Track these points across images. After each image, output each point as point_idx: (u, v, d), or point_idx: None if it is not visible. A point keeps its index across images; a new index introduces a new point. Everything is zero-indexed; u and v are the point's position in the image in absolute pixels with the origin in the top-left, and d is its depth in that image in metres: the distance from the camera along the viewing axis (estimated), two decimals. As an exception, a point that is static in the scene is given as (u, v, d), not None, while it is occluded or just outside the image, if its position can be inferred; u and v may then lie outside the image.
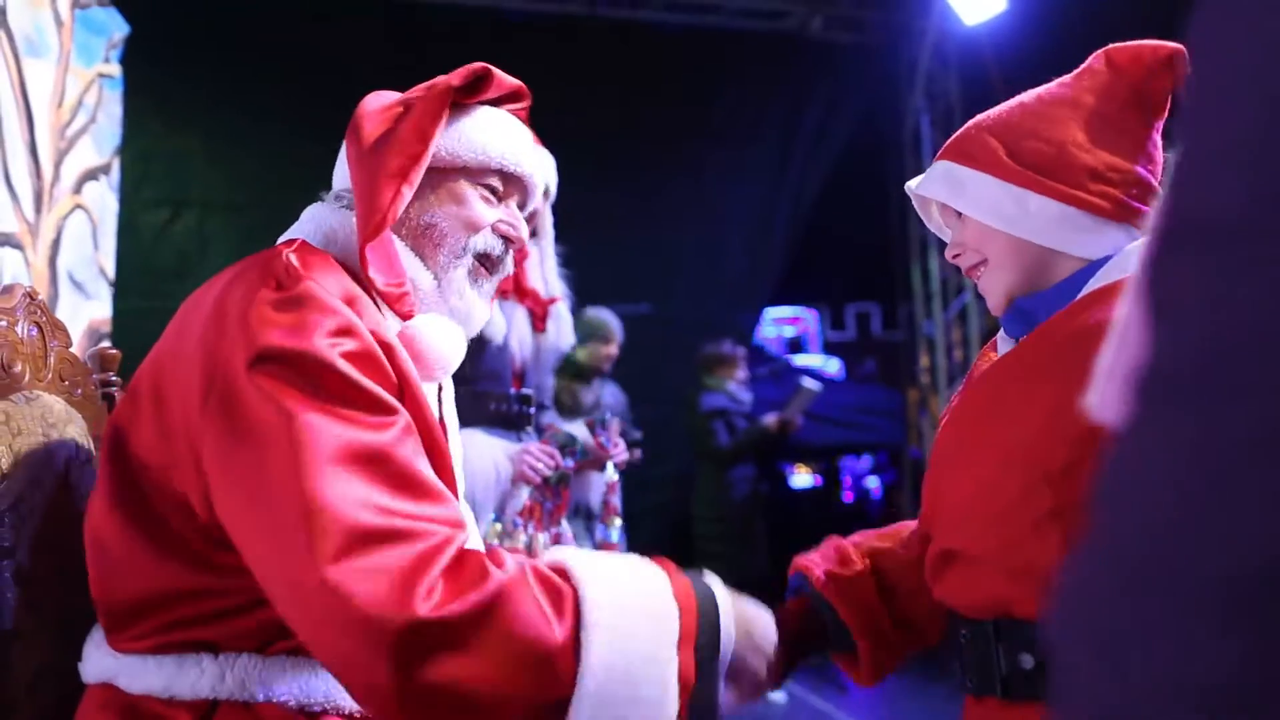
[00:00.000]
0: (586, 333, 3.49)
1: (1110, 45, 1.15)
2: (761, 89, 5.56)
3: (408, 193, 1.08)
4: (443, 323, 1.11)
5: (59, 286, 3.55)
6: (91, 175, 3.83)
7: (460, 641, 0.83)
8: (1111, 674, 0.31)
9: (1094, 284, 1.07)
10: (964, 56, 5.44)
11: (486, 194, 1.17)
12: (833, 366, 8.95)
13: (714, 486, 4.70)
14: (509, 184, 1.19)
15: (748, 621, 1.01)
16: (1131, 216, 1.09)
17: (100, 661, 1.03)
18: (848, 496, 7.38)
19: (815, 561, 1.27)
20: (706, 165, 5.48)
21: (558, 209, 2.29)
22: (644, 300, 4.95)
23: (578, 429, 2.20)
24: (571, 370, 3.49)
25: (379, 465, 0.90)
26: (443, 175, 1.14)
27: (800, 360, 8.84)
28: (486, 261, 1.17)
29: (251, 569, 0.91)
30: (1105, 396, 0.38)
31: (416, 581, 0.83)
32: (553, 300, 2.27)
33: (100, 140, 3.91)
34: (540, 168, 1.23)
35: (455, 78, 1.14)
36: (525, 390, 2.16)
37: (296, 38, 4.83)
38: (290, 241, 1.09)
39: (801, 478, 7.21)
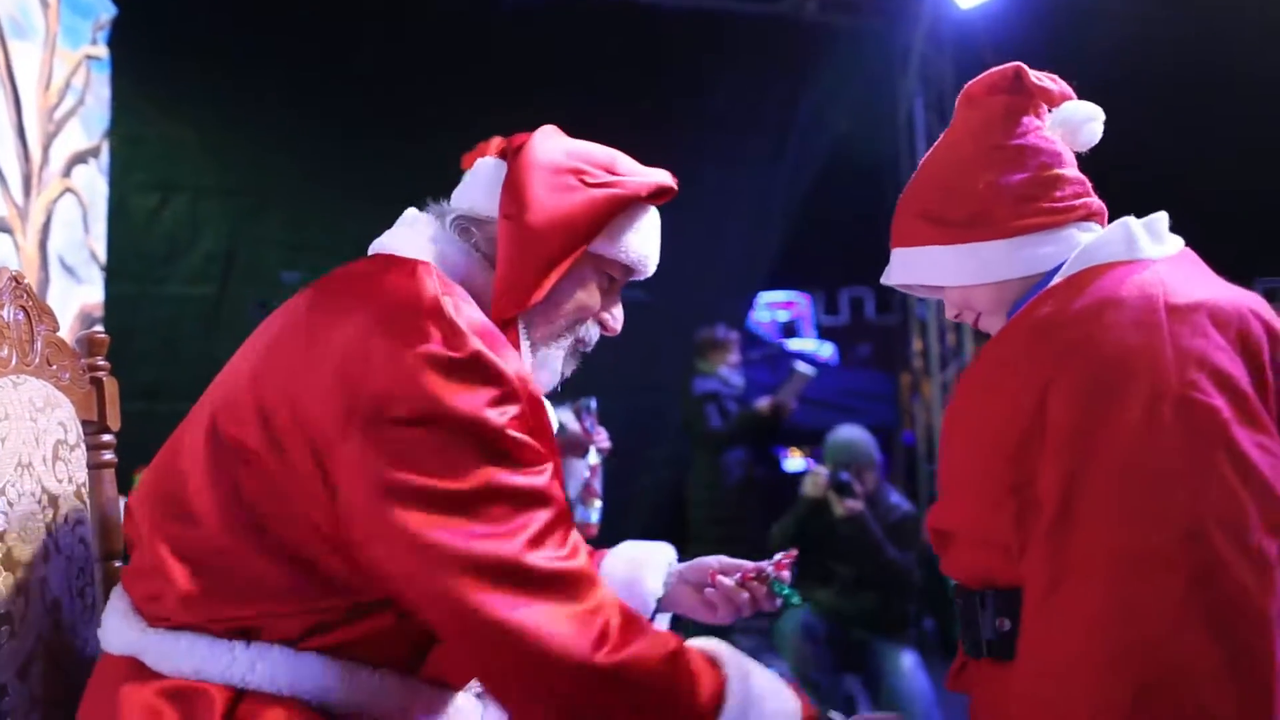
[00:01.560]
0: None
1: (966, 86, 1.25)
2: (756, 72, 5.53)
3: (554, 279, 1.09)
4: None
5: (49, 271, 3.53)
6: (81, 158, 3.80)
7: (622, 689, 0.95)
8: None
9: (1055, 279, 1.14)
10: (959, 40, 5.42)
11: (605, 282, 1.18)
12: (826, 351, 8.95)
13: (708, 470, 4.70)
14: (625, 274, 1.20)
15: None
16: (1069, 215, 1.17)
17: (124, 634, 1.03)
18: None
19: None
20: (700, 150, 5.45)
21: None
22: (638, 287, 4.95)
23: (564, 414, 2.19)
24: None
25: (543, 511, 0.98)
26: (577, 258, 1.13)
27: (794, 344, 8.84)
28: (580, 345, 1.19)
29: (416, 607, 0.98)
30: None
31: (593, 625, 0.95)
32: None
33: (89, 123, 3.87)
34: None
35: (644, 190, 1.14)
36: None
37: (286, 18, 4.79)
38: (424, 265, 1.06)
39: (795, 461, 7.22)
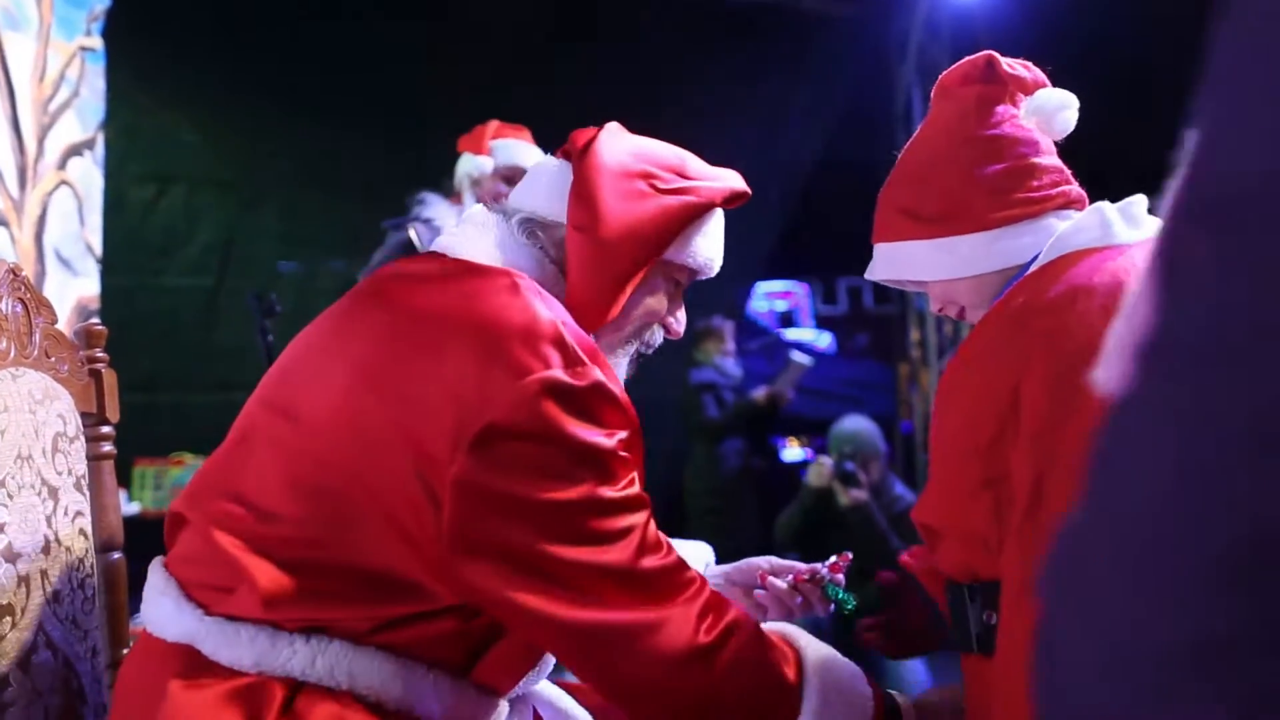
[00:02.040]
0: None
1: (940, 77, 1.24)
2: (753, 60, 5.52)
3: (629, 293, 1.09)
4: None
5: (46, 263, 3.52)
6: (76, 150, 3.79)
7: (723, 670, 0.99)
8: (1101, 638, 0.32)
9: (1032, 269, 1.13)
10: (956, 29, 5.41)
11: (672, 287, 1.17)
12: (824, 340, 8.96)
13: (705, 460, 4.71)
14: (691, 277, 1.19)
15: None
16: (1046, 204, 1.15)
17: (180, 622, 1.01)
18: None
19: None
20: (696, 138, 5.44)
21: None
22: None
23: None
24: None
25: (641, 515, 1.01)
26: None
27: (791, 334, 8.85)
28: (644, 348, 1.19)
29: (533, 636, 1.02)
30: (1113, 369, 0.39)
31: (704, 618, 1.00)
32: None
33: (84, 115, 3.86)
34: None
35: (719, 197, 1.13)
36: None
37: (281, 9, 4.77)
38: (519, 279, 1.04)
39: (792, 451, 7.23)
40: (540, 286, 1.06)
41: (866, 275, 1.28)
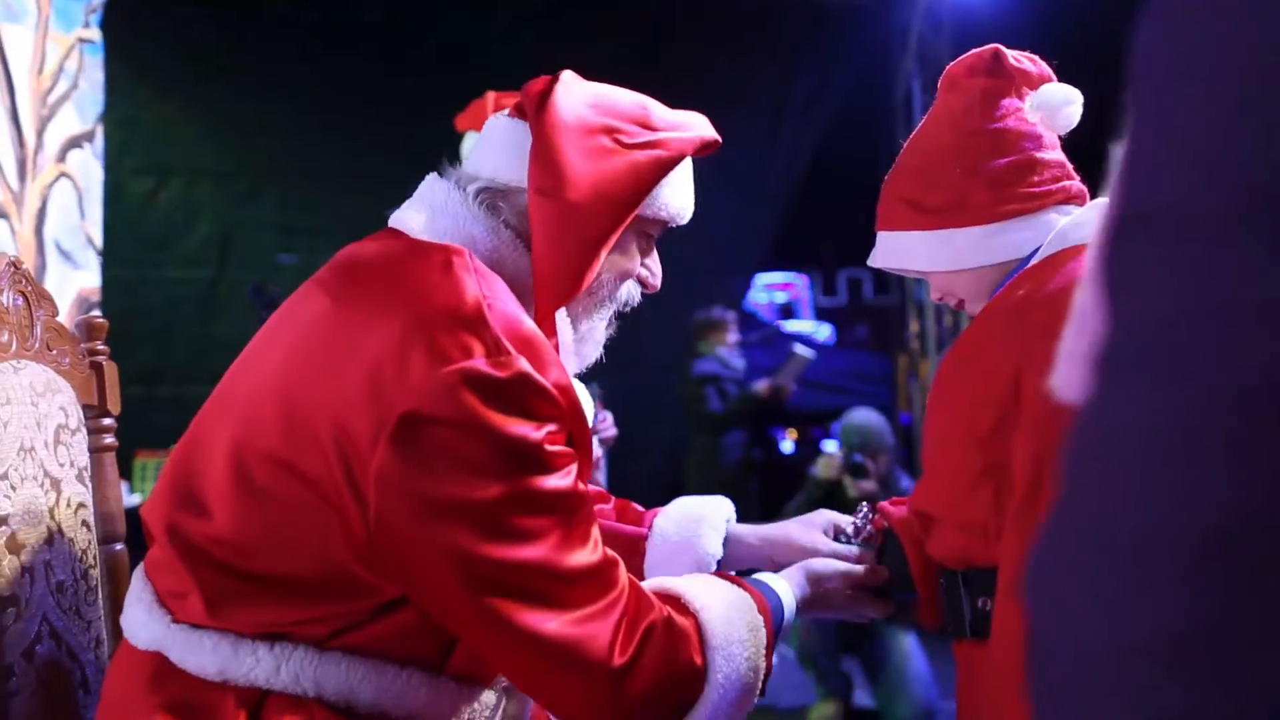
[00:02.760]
0: None
1: (947, 68, 1.24)
2: (753, 51, 5.51)
3: (603, 257, 1.03)
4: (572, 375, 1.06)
5: (46, 256, 3.52)
6: (75, 143, 3.79)
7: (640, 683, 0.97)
8: (1073, 630, 0.33)
9: (1033, 262, 1.15)
10: (956, 20, 5.39)
11: (644, 241, 1.12)
12: (824, 332, 8.97)
13: (706, 452, 4.72)
14: (662, 228, 1.14)
15: (816, 578, 1.18)
16: (1046, 200, 1.16)
17: (150, 629, 1.00)
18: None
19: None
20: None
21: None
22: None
23: None
24: None
25: (572, 511, 0.97)
26: None
27: (791, 326, 8.85)
28: (622, 308, 1.13)
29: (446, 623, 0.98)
30: (1067, 376, 0.40)
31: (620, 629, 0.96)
32: None
33: (83, 107, 3.85)
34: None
35: (689, 148, 1.07)
36: None
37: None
38: (459, 256, 0.99)
39: (792, 443, 7.24)
40: (489, 263, 1.02)
41: (869, 262, 1.29)
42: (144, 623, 1.00)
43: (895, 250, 1.23)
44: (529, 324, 0.98)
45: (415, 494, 0.91)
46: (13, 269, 1.20)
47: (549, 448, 0.94)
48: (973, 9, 5.16)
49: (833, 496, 3.52)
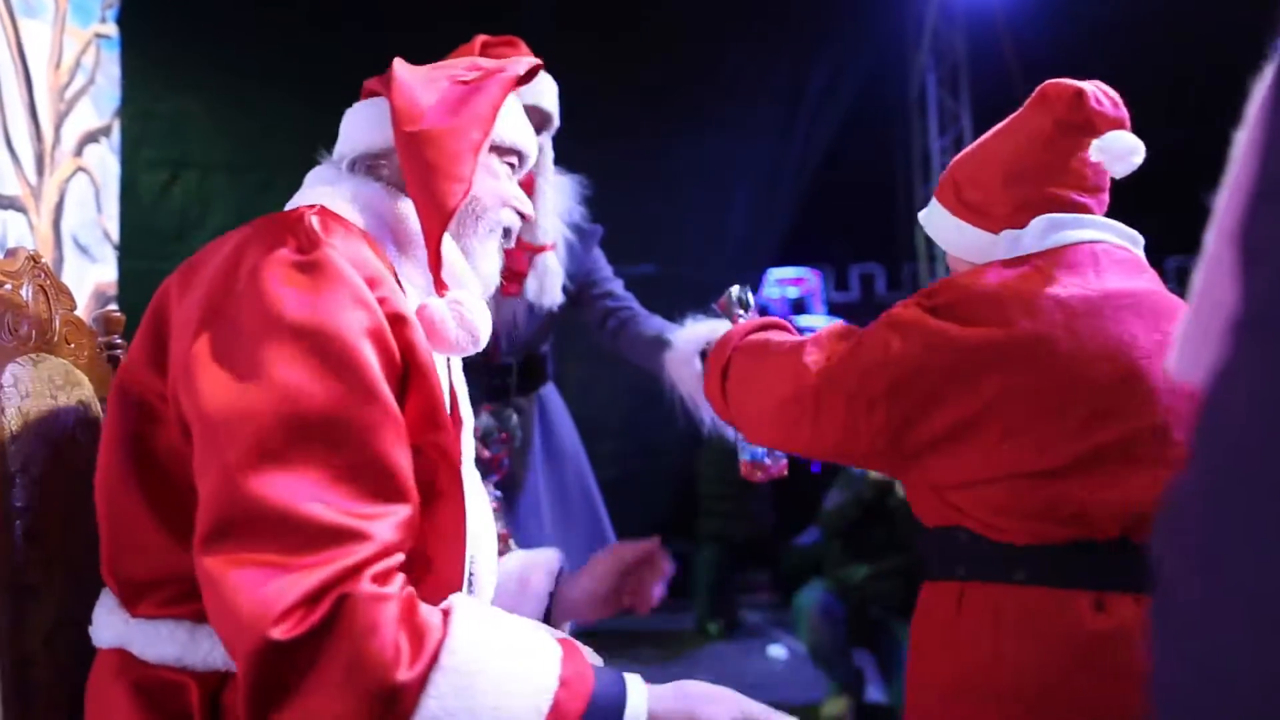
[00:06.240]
0: None
1: (1044, 84, 1.32)
2: (768, 46, 5.49)
3: (477, 171, 1.11)
4: (476, 296, 1.13)
5: (63, 250, 3.55)
6: (92, 137, 3.81)
7: (303, 666, 0.82)
8: (1206, 578, 0.34)
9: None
10: (971, 15, 5.37)
11: (508, 171, 1.22)
12: (836, 327, 8.92)
13: (718, 446, 4.71)
14: (521, 162, 1.24)
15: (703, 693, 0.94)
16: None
17: (113, 627, 1.02)
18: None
19: None
20: (711, 124, 5.43)
21: (561, 167, 2.23)
22: (647, 260, 4.95)
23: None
24: None
25: (340, 448, 0.89)
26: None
27: (804, 321, 8.83)
28: (506, 234, 1.22)
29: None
30: (1185, 356, 0.42)
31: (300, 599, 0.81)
32: (541, 249, 2.06)
33: (100, 102, 3.88)
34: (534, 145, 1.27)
35: (519, 66, 1.17)
36: (505, 361, 2.09)
37: (295, -4, 4.78)
38: (312, 206, 1.06)
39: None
40: (373, 216, 1.09)
41: (920, 215, 1.45)
42: (106, 622, 1.03)
43: (933, 218, 1.40)
44: (364, 251, 1.02)
45: (189, 358, 0.93)
46: (32, 263, 1.21)
47: (352, 346, 0.92)
48: (988, 3, 5.13)
49: (882, 498, 3.55)
